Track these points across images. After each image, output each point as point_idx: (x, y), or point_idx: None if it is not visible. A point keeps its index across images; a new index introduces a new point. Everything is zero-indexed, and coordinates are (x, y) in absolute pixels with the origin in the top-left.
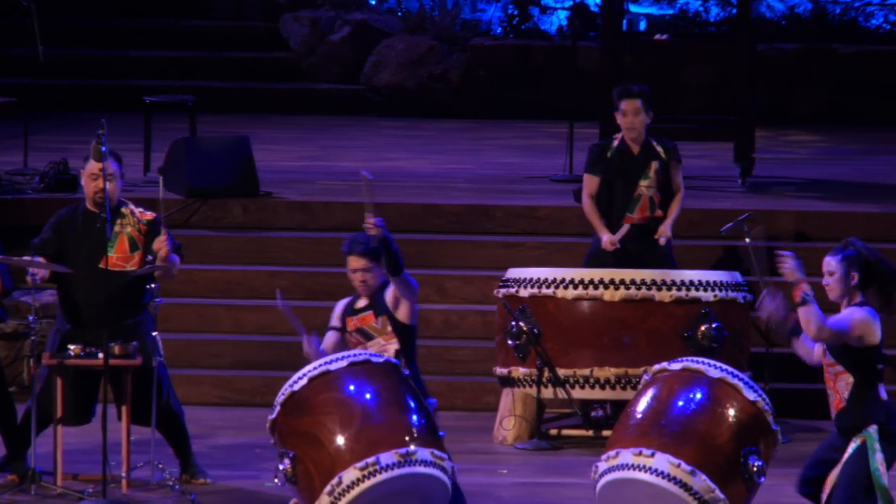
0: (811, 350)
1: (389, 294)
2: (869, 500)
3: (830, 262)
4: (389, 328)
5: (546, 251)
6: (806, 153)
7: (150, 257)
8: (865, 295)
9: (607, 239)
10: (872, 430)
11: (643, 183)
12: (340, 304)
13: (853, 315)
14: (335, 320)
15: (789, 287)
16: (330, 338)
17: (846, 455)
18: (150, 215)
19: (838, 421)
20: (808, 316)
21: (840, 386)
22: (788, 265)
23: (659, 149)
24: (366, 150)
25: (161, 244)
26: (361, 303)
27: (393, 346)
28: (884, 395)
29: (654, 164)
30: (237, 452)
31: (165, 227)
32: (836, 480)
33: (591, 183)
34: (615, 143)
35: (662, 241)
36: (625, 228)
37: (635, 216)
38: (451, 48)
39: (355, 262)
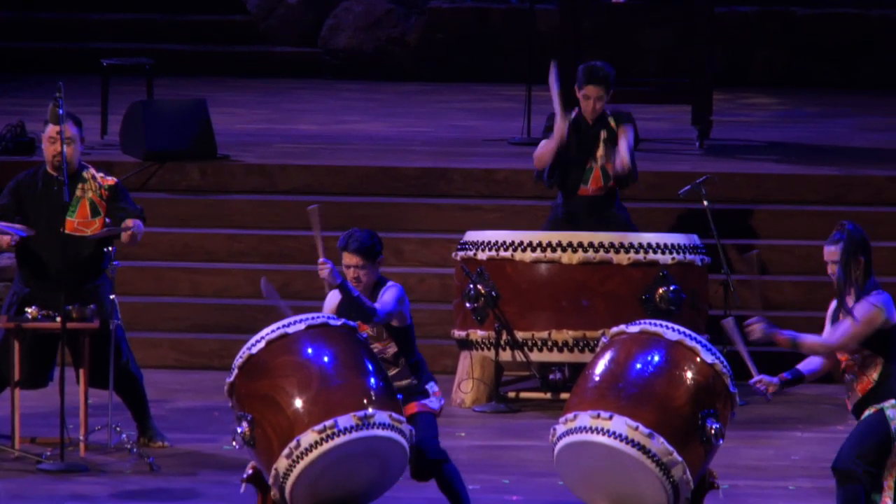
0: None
1: (386, 295)
2: (871, 468)
3: (833, 251)
4: (385, 334)
5: (504, 214)
6: (764, 116)
7: (108, 220)
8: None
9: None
10: (888, 403)
11: (595, 154)
12: (332, 301)
13: (858, 320)
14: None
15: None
16: None
17: (862, 418)
18: (111, 180)
19: (862, 404)
20: (811, 351)
21: (868, 369)
22: (757, 332)
23: (611, 118)
24: (323, 113)
25: (130, 235)
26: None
27: (391, 349)
28: None
29: (603, 134)
30: (195, 415)
31: (128, 197)
32: (847, 439)
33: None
34: (572, 115)
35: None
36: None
37: (590, 188)
38: (408, 11)
39: (349, 258)
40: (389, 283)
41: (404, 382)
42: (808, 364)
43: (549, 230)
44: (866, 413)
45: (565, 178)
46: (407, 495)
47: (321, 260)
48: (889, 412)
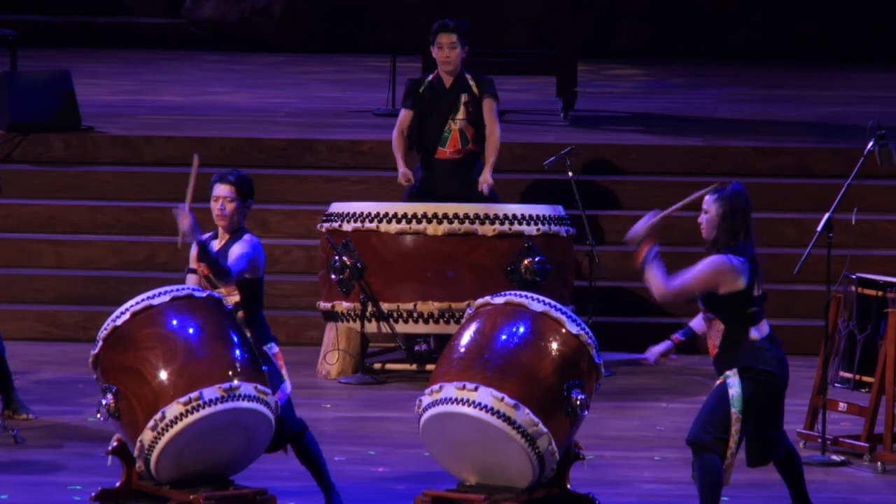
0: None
1: (234, 247)
2: (721, 434)
3: (708, 201)
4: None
5: (369, 185)
6: (629, 87)
7: None
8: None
9: (402, 172)
10: (730, 372)
11: (454, 117)
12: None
13: (699, 268)
14: (192, 262)
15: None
16: (190, 280)
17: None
18: None
19: (714, 366)
20: (648, 277)
21: (713, 333)
22: (639, 227)
23: (472, 83)
24: (188, 84)
25: None
26: (213, 247)
27: (234, 297)
28: (755, 335)
29: (464, 97)
30: (60, 388)
31: None
32: (697, 413)
33: (403, 117)
34: (429, 77)
35: (485, 189)
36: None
37: (447, 150)
38: None
39: (221, 188)
40: (247, 236)
41: None
42: (699, 321)
43: (408, 198)
44: (715, 385)
45: (423, 141)
46: (273, 466)
47: (186, 208)
48: (729, 380)
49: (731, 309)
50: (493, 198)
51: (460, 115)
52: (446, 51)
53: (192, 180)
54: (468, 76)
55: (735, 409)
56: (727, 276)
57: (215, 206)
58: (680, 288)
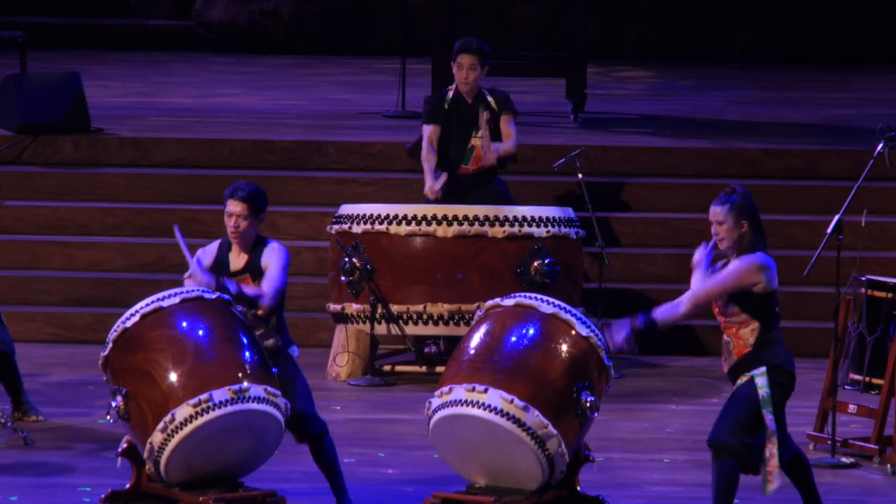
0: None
1: (264, 258)
2: (748, 438)
3: (718, 212)
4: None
5: (378, 187)
6: (638, 89)
7: None
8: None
9: (429, 186)
10: (758, 371)
11: (476, 134)
12: (209, 255)
13: (736, 267)
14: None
15: None
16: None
17: (734, 390)
18: None
19: (735, 368)
20: (670, 317)
21: (744, 333)
22: (622, 345)
23: (490, 99)
24: (197, 86)
25: None
26: (238, 263)
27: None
28: (781, 336)
29: (485, 115)
30: (69, 390)
31: None
32: (721, 413)
33: (432, 132)
34: (450, 94)
35: (491, 157)
36: (443, 177)
37: (470, 167)
38: None
39: (233, 205)
40: (271, 242)
41: (270, 342)
42: (667, 310)
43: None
44: (739, 382)
45: (445, 157)
46: (282, 468)
47: (194, 267)
48: (758, 380)
49: (767, 308)
50: (508, 198)
51: (482, 132)
52: (465, 71)
53: (183, 247)
54: (486, 93)
55: (767, 411)
56: (765, 274)
57: (229, 223)
58: (713, 290)
